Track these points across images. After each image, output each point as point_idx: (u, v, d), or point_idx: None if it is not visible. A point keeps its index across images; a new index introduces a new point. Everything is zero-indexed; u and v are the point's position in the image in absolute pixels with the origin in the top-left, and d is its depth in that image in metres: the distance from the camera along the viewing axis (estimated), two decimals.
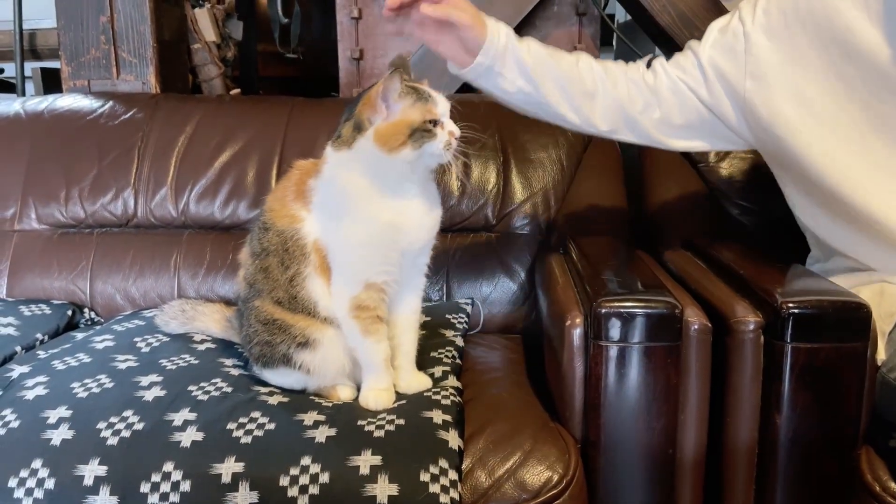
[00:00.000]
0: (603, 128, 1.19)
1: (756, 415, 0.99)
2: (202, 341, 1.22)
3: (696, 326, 0.99)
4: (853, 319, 0.96)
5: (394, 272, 1.02)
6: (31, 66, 2.29)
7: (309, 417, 0.96)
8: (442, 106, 0.99)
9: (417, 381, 1.07)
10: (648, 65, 1.20)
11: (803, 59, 1.11)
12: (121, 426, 0.94)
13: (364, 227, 0.99)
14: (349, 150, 0.99)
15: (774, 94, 1.12)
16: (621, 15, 2.36)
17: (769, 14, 1.13)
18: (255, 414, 0.97)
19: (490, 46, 1.09)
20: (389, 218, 0.99)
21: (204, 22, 2.01)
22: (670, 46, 1.81)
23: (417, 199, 1.01)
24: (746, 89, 1.14)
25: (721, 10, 1.73)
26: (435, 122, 0.97)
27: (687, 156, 1.55)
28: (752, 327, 0.98)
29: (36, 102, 1.67)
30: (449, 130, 0.99)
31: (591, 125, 1.19)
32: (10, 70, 2.34)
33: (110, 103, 1.66)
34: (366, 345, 1.02)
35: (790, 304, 0.95)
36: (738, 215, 1.51)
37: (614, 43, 2.53)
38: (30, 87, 2.32)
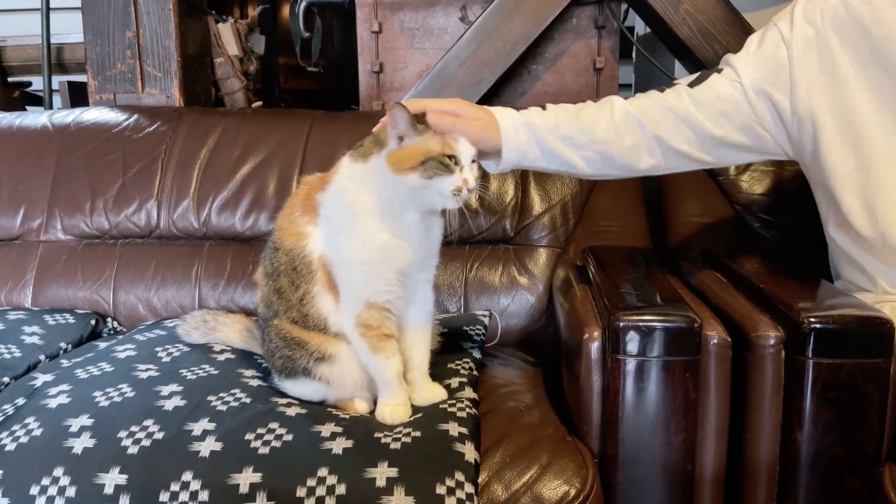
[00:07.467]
0: (644, 166, 1.16)
1: (777, 431, 0.98)
2: (222, 352, 1.23)
3: (715, 341, 0.98)
4: (876, 335, 0.94)
5: (395, 292, 1.02)
6: (58, 80, 2.34)
7: (326, 429, 0.97)
8: (464, 148, 0.98)
9: (432, 393, 1.07)
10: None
11: (840, 69, 1.10)
12: (141, 435, 0.95)
13: (361, 245, 0.99)
14: (364, 163, 1.00)
15: (816, 103, 1.11)
16: (641, 27, 2.35)
17: (811, 23, 1.12)
18: (274, 425, 0.97)
19: (509, 145, 1.08)
20: (385, 240, 0.99)
21: (227, 37, 2.04)
22: (690, 59, 1.81)
23: (417, 224, 1.01)
24: (794, 98, 1.12)
25: (742, 22, 1.73)
26: (456, 162, 0.97)
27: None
28: (772, 342, 0.97)
29: (63, 115, 1.71)
30: (465, 177, 0.97)
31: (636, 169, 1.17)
32: (37, 83, 2.39)
33: (135, 116, 1.69)
34: (375, 361, 1.02)
35: (812, 319, 0.94)
36: (759, 228, 1.49)
37: (634, 56, 2.53)
38: (57, 100, 2.36)
